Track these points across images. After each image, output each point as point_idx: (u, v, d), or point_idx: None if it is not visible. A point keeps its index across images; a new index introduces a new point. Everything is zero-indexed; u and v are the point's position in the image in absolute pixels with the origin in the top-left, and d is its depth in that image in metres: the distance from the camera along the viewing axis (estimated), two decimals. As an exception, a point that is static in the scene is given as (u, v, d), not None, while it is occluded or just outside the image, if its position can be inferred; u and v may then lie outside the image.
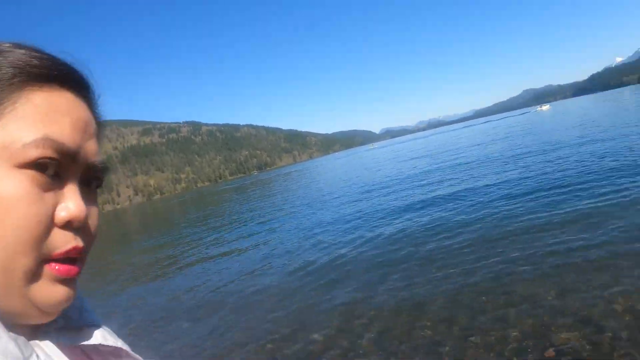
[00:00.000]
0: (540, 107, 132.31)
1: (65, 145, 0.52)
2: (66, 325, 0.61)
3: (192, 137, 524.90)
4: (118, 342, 0.65)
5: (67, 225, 0.52)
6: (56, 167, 0.51)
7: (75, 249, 0.53)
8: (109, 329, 0.67)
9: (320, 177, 42.08)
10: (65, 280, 0.53)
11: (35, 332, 0.56)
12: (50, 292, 0.52)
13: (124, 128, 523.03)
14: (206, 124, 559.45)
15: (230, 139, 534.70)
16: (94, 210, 0.58)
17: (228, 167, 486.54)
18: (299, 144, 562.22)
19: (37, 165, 0.49)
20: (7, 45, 0.52)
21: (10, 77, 0.51)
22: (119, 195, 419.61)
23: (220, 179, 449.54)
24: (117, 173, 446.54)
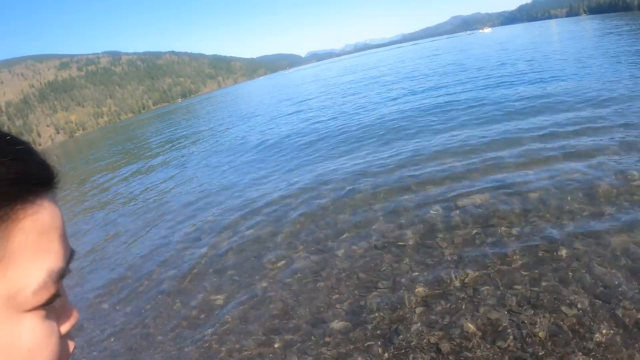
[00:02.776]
0: (483, 29, 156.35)
1: (64, 268, 0.49)
2: None
3: (112, 67, 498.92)
4: None
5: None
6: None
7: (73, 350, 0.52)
8: None
9: (237, 100, 44.87)
10: None
11: None
12: None
13: (40, 63, 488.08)
14: (126, 53, 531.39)
15: (152, 68, 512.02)
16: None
17: (151, 96, 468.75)
18: (224, 69, 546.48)
19: (44, 304, 0.46)
20: None
21: None
22: (39, 135, 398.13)
23: (144, 109, 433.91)
24: (35, 112, 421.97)
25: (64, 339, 0.50)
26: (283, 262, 5.44)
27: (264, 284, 5.04)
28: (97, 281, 6.45)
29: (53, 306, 0.48)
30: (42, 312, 0.47)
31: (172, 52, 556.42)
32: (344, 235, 5.69)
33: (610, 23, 41.83)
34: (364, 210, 6.32)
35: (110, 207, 11.58)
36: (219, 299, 5.02)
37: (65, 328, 0.51)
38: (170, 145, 21.23)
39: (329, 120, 15.26)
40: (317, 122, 15.34)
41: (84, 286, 6.39)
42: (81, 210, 11.94)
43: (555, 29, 59.87)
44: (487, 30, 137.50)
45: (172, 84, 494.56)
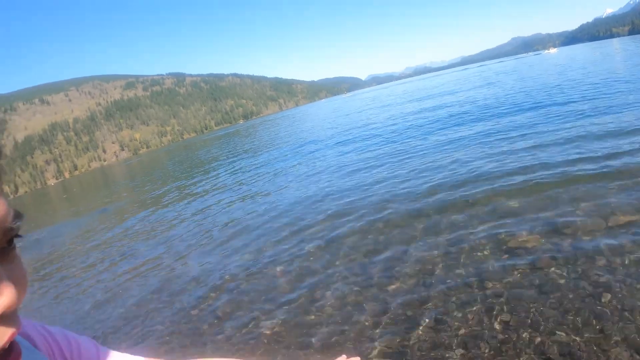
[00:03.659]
0: (549, 50, 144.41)
1: None
2: None
3: (177, 88, 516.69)
4: None
5: None
6: None
7: (7, 342, 0.48)
8: None
9: (302, 123, 44.10)
10: None
11: None
12: None
13: (106, 83, 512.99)
14: (190, 75, 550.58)
15: (215, 89, 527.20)
16: (18, 275, 0.52)
17: (214, 117, 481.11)
18: (285, 92, 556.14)
19: None
20: None
21: None
22: (104, 151, 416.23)
23: (207, 129, 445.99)
24: (101, 129, 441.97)
25: None
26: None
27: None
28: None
29: None
30: None
31: (235, 75, 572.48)
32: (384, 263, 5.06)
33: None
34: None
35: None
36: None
37: None
38: (242, 164, 20.26)
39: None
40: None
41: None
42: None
43: (618, 46, 56.52)
44: (553, 50, 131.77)
45: (234, 105, 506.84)
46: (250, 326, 4.49)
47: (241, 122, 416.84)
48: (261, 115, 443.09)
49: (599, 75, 19.66)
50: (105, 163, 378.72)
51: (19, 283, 0.51)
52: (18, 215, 0.51)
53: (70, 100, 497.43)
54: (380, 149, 13.01)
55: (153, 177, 28.71)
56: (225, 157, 24.20)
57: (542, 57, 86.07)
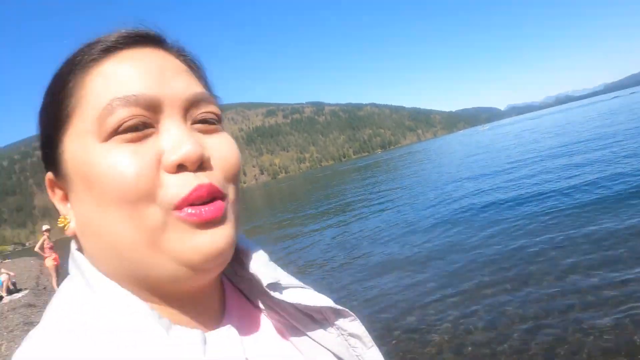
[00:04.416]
0: None
1: (135, 95, 0.50)
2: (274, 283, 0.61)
3: (316, 117, 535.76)
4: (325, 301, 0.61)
5: (181, 168, 0.50)
6: (142, 119, 0.50)
7: (199, 187, 0.50)
8: (284, 273, 0.65)
9: (444, 158, 40.20)
10: (206, 225, 0.50)
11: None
12: (188, 241, 0.49)
13: (249, 110, 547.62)
14: (329, 104, 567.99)
15: (353, 118, 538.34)
16: (218, 143, 0.56)
17: (352, 145, 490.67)
18: (423, 122, 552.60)
19: (120, 130, 0.49)
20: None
21: (79, 63, 0.53)
22: (245, 174, 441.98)
23: (345, 157, 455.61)
24: (243, 153, 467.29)
25: (176, 175, 0.50)
26: None
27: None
28: None
29: (141, 135, 0.50)
30: (120, 139, 0.49)
31: (373, 104, 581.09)
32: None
33: None
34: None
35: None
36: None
37: (172, 157, 0.49)
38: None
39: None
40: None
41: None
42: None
43: None
44: None
45: (372, 134, 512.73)
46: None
47: (379, 151, 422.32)
48: (399, 145, 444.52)
49: None
50: (245, 185, 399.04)
51: (220, 156, 0.54)
52: (204, 97, 0.56)
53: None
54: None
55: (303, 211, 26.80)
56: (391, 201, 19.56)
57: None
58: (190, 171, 0.50)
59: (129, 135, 0.49)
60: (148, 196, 0.48)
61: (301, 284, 0.65)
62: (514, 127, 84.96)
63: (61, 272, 12.74)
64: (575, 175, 13.08)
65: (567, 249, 7.18)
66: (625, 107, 48.42)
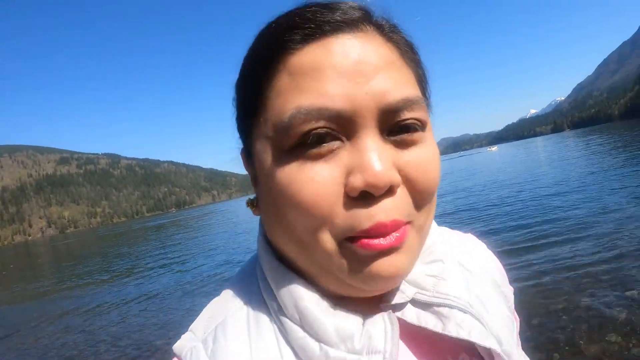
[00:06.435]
0: (490, 148, 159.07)
1: (327, 109, 0.44)
2: (418, 297, 0.54)
3: (111, 170, 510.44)
4: (487, 341, 0.52)
5: (366, 195, 0.44)
6: (330, 132, 0.45)
7: (380, 226, 0.44)
8: (476, 320, 0.53)
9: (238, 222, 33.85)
10: (379, 255, 0.45)
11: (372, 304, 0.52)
12: (357, 267, 0.46)
13: (41, 155, 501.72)
14: (126, 158, 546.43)
15: (149, 175, 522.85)
16: (416, 158, 0.48)
17: (146, 203, 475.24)
18: (219, 183, 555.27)
19: (304, 142, 0.45)
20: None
21: (263, 57, 0.49)
22: (30, 226, 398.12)
23: (137, 215, 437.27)
24: (30, 202, 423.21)
25: (351, 193, 0.45)
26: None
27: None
28: None
29: (324, 152, 0.45)
30: (302, 153, 0.45)
31: (171, 162, 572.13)
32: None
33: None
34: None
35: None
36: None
37: (356, 182, 0.44)
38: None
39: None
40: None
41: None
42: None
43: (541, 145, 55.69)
44: (494, 148, 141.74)
45: (167, 192, 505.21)
46: None
47: (173, 210, 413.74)
48: (194, 205, 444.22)
49: None
50: (30, 238, 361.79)
51: (416, 175, 0.48)
52: (407, 100, 0.47)
53: (1, 167, 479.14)
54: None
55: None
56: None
57: (486, 154, 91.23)
58: (375, 197, 0.44)
59: (314, 151, 0.45)
60: (325, 221, 0.45)
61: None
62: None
63: None
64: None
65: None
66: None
